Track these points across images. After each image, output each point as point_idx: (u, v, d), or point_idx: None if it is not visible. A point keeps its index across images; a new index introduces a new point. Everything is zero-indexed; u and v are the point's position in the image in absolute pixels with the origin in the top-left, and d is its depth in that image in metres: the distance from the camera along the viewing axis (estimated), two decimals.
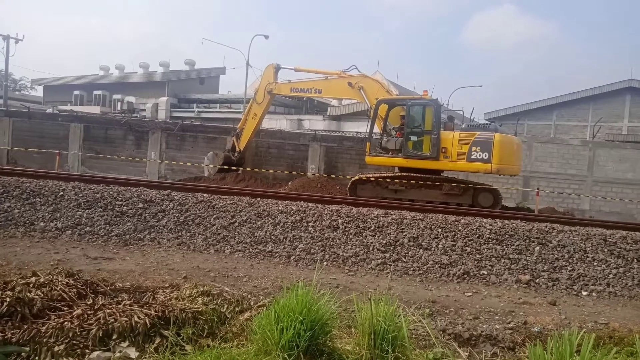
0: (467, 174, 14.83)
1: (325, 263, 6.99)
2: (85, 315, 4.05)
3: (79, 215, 7.92)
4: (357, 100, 15.52)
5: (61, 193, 8.49)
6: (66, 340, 3.72)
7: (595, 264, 7.19)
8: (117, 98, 38.59)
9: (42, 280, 4.71)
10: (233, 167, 16.58)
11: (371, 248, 7.42)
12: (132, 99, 37.47)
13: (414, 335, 4.62)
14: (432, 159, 12.50)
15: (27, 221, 7.67)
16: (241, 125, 16.97)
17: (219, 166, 16.78)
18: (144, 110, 36.98)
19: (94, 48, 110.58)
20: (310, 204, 8.70)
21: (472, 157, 12.11)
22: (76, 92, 41.74)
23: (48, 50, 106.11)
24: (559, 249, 7.48)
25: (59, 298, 4.49)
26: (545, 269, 7.06)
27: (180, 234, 7.71)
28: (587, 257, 7.32)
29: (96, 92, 40.80)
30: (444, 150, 12.41)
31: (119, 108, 37.36)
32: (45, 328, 3.84)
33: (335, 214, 8.23)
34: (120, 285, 5.23)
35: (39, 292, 4.44)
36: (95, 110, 36.55)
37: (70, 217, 7.84)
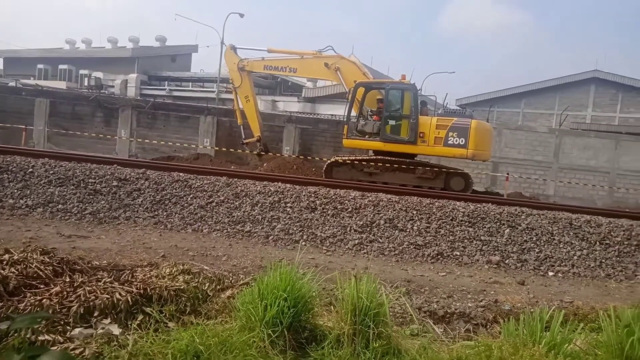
0: (439, 158, 15.09)
1: (303, 243, 7.06)
2: (65, 293, 3.99)
3: (50, 192, 7.69)
4: (333, 81, 15.32)
5: (30, 169, 8.21)
6: (45, 318, 3.66)
7: (561, 246, 7.53)
8: (84, 73, 37.19)
9: (15, 257, 4.59)
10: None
11: (348, 229, 7.53)
12: (99, 74, 36.18)
13: (391, 313, 4.75)
14: (410, 144, 12.66)
15: None
16: (240, 121, 15.78)
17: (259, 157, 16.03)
18: (113, 86, 35.79)
19: (60, 18, 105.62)
20: (288, 185, 8.73)
21: (449, 142, 12.32)
22: (40, 66, 39.94)
23: (7, 19, 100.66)
24: (527, 231, 7.79)
25: (34, 275, 4.39)
26: (514, 250, 7.36)
27: (156, 213, 7.62)
28: (554, 239, 7.65)
29: (61, 67, 39.15)
30: (421, 135, 12.58)
31: (86, 84, 36.03)
32: (24, 305, 3.77)
33: (313, 195, 8.29)
34: (97, 263, 5.14)
35: (13, 270, 4.34)
36: (61, 85, 35.11)
37: (41, 195, 7.62)
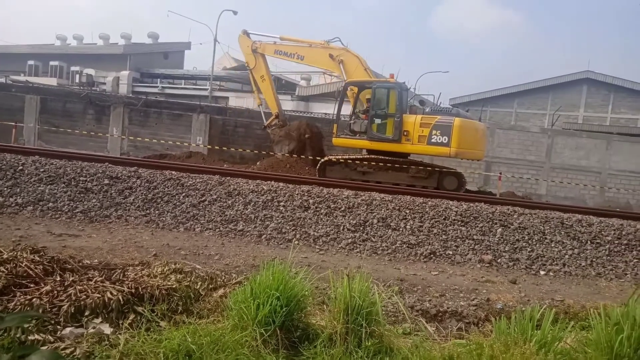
0: (432, 157, 15.14)
1: (296, 242, 7.05)
2: (55, 292, 3.95)
3: (40, 190, 7.62)
4: (336, 73, 15.59)
5: (20, 167, 8.12)
6: (36, 317, 3.62)
7: (552, 245, 7.58)
8: (75, 70, 36.84)
9: (5, 256, 4.54)
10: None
11: (341, 228, 7.53)
12: (91, 71, 35.86)
13: (383, 312, 4.76)
14: (394, 142, 12.69)
15: None
16: (259, 101, 16.81)
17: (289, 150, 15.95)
18: (104, 84, 35.49)
19: (51, 13, 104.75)
20: (281, 184, 8.71)
21: (432, 140, 12.30)
22: (30, 62, 39.52)
23: None
24: (519, 230, 7.83)
25: (24, 275, 4.35)
26: (506, 249, 7.39)
27: (148, 211, 7.57)
28: (546, 238, 7.70)
29: (52, 63, 38.75)
30: (405, 133, 12.59)
31: (77, 80, 35.73)
32: (13, 305, 3.73)
33: (306, 194, 8.28)
34: (88, 262, 5.10)
35: (2, 269, 4.29)
36: (52, 82, 34.78)
37: (31, 193, 7.54)
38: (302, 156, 15.42)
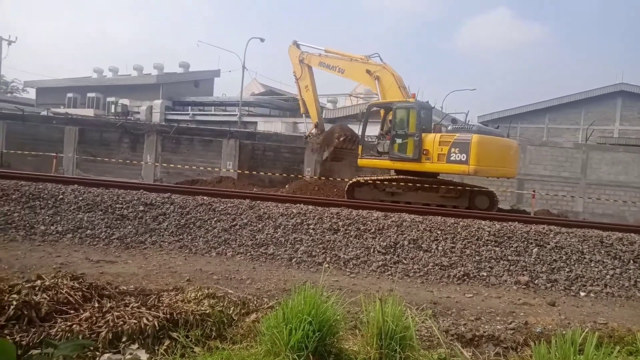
0: (461, 176, 14.91)
1: (326, 265, 7.04)
2: (94, 318, 4.07)
3: (79, 218, 7.91)
4: (371, 89, 15.79)
5: (61, 196, 8.47)
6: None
7: (592, 265, 7.30)
8: (111, 100, 38.41)
9: (47, 283, 4.71)
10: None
11: (372, 250, 7.48)
12: (126, 101, 37.31)
13: (417, 336, 4.67)
14: (414, 161, 12.61)
15: (28, 224, 7.64)
16: (303, 109, 17.14)
17: (327, 156, 16.62)
18: (138, 112, 36.84)
19: (87, 49, 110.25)
20: (310, 207, 8.75)
21: (451, 158, 12.09)
22: (69, 95, 41.51)
23: (40, 51, 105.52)
24: (556, 250, 7.58)
25: (64, 301, 4.49)
26: (543, 270, 7.16)
27: (181, 237, 7.73)
28: (585, 258, 7.43)
29: (90, 95, 40.60)
30: (425, 152, 12.49)
31: (112, 110, 37.20)
32: (55, 331, 3.85)
33: (335, 216, 8.29)
34: (125, 288, 5.23)
35: (44, 296, 4.45)
36: (89, 112, 36.35)
37: (70, 221, 7.83)
38: (329, 178, 15.49)
